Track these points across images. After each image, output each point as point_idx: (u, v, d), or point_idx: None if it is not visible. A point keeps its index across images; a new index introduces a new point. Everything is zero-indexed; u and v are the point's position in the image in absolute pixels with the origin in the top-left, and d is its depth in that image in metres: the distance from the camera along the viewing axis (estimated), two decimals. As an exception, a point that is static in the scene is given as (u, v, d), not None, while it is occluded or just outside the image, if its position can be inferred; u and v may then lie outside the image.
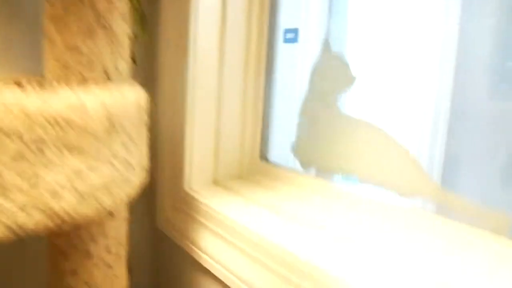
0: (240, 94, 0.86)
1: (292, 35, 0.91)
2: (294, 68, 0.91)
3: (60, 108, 0.41)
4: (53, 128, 0.40)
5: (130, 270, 0.60)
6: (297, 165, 0.84)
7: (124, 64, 0.56)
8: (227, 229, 0.69)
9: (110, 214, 0.54)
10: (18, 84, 0.61)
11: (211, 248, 0.71)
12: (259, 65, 0.86)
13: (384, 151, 0.68)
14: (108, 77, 0.53)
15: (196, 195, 0.79)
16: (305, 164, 0.82)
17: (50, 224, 0.40)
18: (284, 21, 0.90)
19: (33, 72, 0.78)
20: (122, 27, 0.56)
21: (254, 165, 0.89)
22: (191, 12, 0.74)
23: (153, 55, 0.87)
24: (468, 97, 0.91)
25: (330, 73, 0.74)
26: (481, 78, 0.84)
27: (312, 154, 0.80)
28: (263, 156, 0.90)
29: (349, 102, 0.76)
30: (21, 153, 0.38)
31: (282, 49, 0.90)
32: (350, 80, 0.71)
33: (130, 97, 0.52)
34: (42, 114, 0.39)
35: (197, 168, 0.82)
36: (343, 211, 0.69)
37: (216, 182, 0.86)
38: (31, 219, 0.39)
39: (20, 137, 0.38)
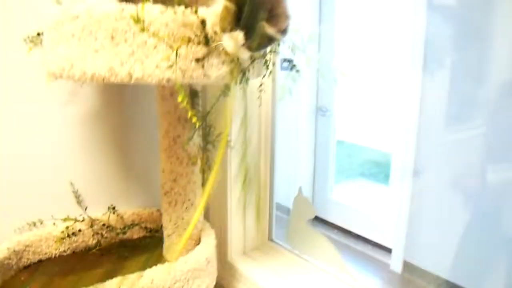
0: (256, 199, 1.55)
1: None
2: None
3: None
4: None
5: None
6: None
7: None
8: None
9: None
10: None
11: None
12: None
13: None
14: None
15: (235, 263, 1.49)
16: (294, 248, 1.52)
17: None
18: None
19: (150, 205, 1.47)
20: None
21: (265, 243, 1.59)
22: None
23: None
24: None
25: (300, 209, 1.43)
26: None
27: (295, 246, 1.49)
28: (270, 238, 1.59)
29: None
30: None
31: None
32: (312, 213, 1.40)
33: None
34: None
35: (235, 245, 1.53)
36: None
37: (244, 253, 1.56)
38: None
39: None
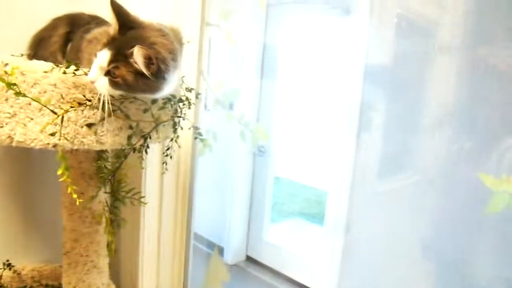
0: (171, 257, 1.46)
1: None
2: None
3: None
4: None
5: None
6: None
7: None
8: None
9: None
10: None
11: None
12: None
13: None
14: None
15: None
16: None
17: None
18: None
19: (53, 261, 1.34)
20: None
21: None
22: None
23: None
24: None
25: (216, 270, 1.35)
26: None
27: None
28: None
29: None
30: None
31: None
32: (226, 276, 1.32)
33: None
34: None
35: None
36: None
37: None
38: None
39: None
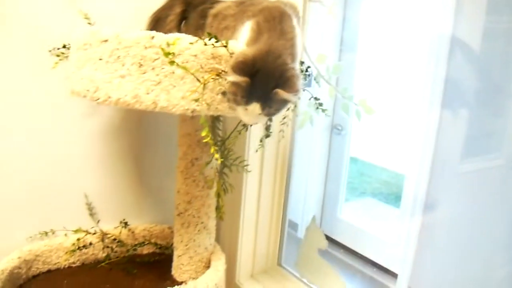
0: (268, 224, 1.53)
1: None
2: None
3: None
4: None
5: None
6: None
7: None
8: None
9: None
10: None
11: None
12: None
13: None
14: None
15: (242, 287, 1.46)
16: (301, 276, 1.49)
17: None
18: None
19: (163, 222, 1.45)
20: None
21: (274, 267, 1.56)
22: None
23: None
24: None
25: (312, 239, 1.40)
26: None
27: (303, 274, 1.46)
28: (279, 263, 1.56)
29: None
30: None
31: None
32: (323, 244, 1.37)
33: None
34: None
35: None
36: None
37: (252, 277, 1.53)
38: None
39: None
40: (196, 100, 0.79)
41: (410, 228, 2.32)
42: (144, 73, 0.82)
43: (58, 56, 1.11)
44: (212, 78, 0.81)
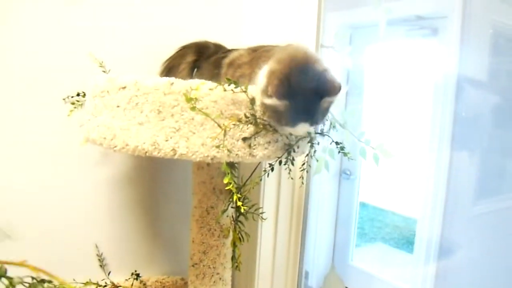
0: (284, 273, 1.45)
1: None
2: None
3: None
4: None
5: None
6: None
7: None
8: None
9: None
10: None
11: None
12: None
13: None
14: None
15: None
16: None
17: None
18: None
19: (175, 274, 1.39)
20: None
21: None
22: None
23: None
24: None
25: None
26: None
27: None
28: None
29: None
30: None
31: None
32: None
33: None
34: None
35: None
36: None
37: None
38: None
39: None
40: (217, 147, 0.76)
41: (425, 273, 2.24)
42: (163, 120, 0.79)
43: (73, 104, 1.09)
44: (233, 124, 0.78)
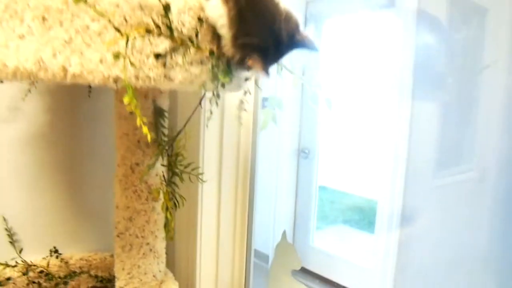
0: (232, 243, 1.28)
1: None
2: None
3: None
4: None
5: None
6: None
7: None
8: None
9: None
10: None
11: None
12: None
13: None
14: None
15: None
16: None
17: None
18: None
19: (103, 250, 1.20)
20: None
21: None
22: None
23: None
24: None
25: (284, 257, 1.17)
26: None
27: None
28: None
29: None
30: None
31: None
32: (298, 263, 1.14)
33: None
34: None
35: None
36: None
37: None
38: None
39: None
40: (117, 56, 0.58)
41: (386, 251, 2.15)
42: (49, 29, 0.60)
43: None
44: (141, 35, 0.60)
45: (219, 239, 1.20)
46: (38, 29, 0.61)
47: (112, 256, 1.14)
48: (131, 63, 0.59)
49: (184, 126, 0.95)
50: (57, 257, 1.09)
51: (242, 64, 0.64)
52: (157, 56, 0.63)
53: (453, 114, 1.80)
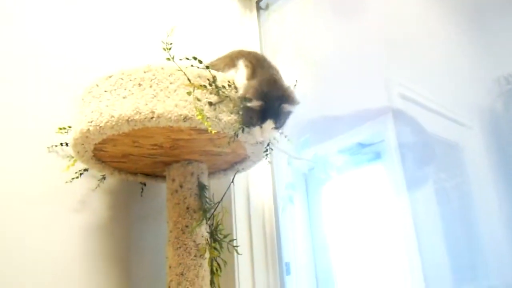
0: None
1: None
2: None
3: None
4: None
5: None
6: None
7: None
8: None
9: None
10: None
11: None
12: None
13: None
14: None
15: None
16: None
17: None
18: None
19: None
20: None
21: None
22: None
23: None
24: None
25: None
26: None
27: None
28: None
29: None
30: None
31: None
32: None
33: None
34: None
35: None
36: None
37: None
38: None
39: None
40: (189, 94, 0.91)
41: None
42: (143, 90, 0.95)
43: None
44: (198, 88, 0.96)
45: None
46: (136, 91, 0.96)
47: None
48: (195, 108, 0.93)
49: (222, 197, 1.21)
50: None
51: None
52: (210, 103, 0.97)
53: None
